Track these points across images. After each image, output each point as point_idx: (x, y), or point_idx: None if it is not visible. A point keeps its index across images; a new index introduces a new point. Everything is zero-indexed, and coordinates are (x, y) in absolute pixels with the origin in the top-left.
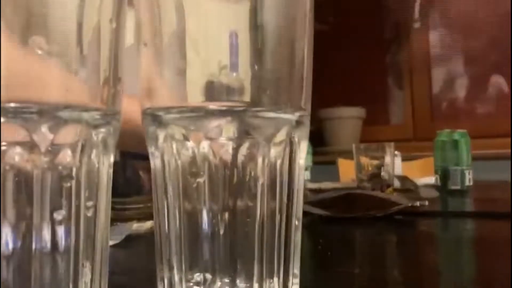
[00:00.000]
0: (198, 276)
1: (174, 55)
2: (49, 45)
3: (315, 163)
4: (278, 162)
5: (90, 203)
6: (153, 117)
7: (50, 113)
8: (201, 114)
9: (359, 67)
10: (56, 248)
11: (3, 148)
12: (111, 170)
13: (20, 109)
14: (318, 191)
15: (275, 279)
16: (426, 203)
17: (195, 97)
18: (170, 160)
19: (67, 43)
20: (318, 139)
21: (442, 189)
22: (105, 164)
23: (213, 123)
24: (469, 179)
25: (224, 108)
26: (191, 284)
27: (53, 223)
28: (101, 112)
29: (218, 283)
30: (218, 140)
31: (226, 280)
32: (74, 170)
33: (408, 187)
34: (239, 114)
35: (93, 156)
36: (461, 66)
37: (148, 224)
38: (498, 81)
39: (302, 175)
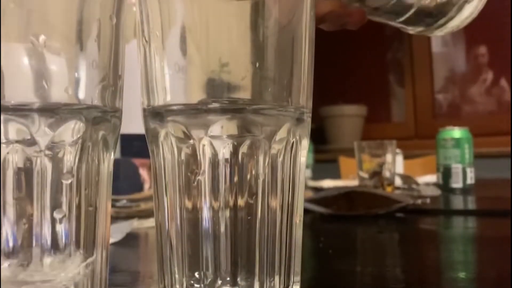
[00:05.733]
0: (198, 274)
1: (175, 52)
2: (49, 42)
3: (316, 161)
4: (279, 159)
5: (90, 201)
6: (154, 114)
7: (50, 111)
8: (202, 111)
9: (361, 65)
10: (56, 246)
11: (3, 145)
12: (111, 168)
13: (20, 107)
14: (320, 189)
15: (276, 277)
16: (428, 201)
17: (196, 95)
18: (171, 158)
19: (67, 40)
20: (319, 137)
21: (443, 187)
22: (105, 161)
23: (214, 121)
24: (471, 177)
25: (225, 105)
26: (192, 282)
27: (53, 221)
28: (101, 110)
29: (219, 281)
30: (219, 138)
31: (227, 278)
32: (74, 167)
33: (409, 185)
34: (240, 111)
35: (93, 153)
36: (463, 63)
37: (149, 221)
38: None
39: (303, 173)
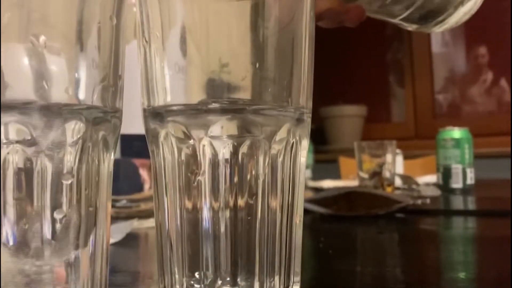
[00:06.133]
0: (198, 274)
1: (175, 53)
2: (49, 42)
3: (316, 161)
4: (279, 160)
5: (90, 201)
6: (154, 114)
7: (50, 111)
8: (202, 111)
9: (361, 65)
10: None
11: (3, 145)
12: (111, 168)
13: (21, 107)
14: (320, 189)
15: (276, 277)
16: (428, 201)
17: (196, 95)
18: (171, 158)
19: (67, 40)
20: (319, 137)
21: (443, 187)
22: (105, 161)
23: (214, 121)
24: (470, 178)
25: (225, 106)
26: (192, 282)
27: (53, 221)
28: (101, 110)
29: (219, 281)
30: (219, 138)
31: (227, 278)
32: (74, 167)
33: (409, 185)
34: (240, 111)
35: (93, 153)
36: (463, 63)
37: (149, 222)
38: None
39: (303, 173)
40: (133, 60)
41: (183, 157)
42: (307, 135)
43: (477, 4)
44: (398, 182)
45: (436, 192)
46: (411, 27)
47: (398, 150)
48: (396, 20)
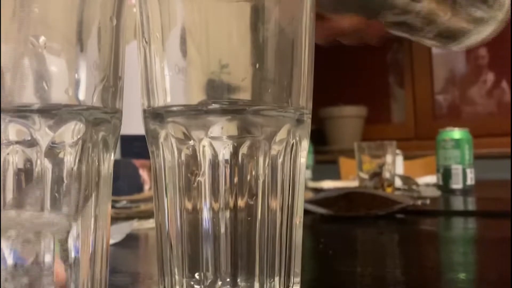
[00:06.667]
0: (198, 275)
1: (175, 54)
2: (49, 43)
3: (316, 162)
4: (279, 160)
5: (90, 202)
6: (154, 115)
7: (50, 112)
8: (202, 112)
9: (361, 66)
10: None
11: (3, 146)
12: (111, 168)
13: (20, 108)
14: (320, 190)
15: (276, 278)
16: (428, 202)
17: (196, 96)
18: (171, 159)
19: (67, 41)
20: (319, 138)
21: (443, 188)
22: (105, 162)
23: (214, 122)
24: (470, 178)
25: (225, 106)
26: (192, 283)
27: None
28: (101, 111)
29: (219, 282)
30: (219, 139)
31: (227, 279)
32: (74, 168)
33: (409, 186)
34: (240, 112)
35: (93, 154)
36: (462, 64)
37: (149, 222)
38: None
39: (303, 174)
40: (133, 60)
41: (183, 157)
42: (307, 135)
43: (498, 26)
44: (398, 182)
45: (436, 192)
46: (430, 43)
47: (398, 151)
48: (415, 38)
